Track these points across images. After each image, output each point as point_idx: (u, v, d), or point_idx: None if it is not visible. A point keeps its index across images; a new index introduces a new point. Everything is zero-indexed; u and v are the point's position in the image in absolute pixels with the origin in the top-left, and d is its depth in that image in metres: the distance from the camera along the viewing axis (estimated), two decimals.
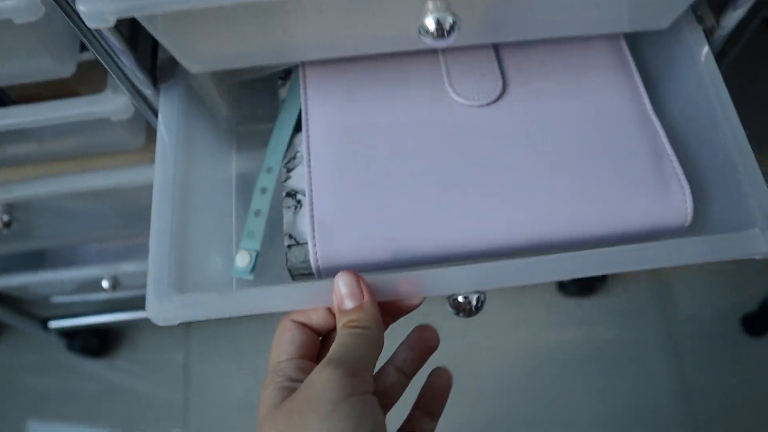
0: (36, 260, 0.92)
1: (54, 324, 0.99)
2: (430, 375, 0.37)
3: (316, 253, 0.39)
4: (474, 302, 0.37)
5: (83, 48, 0.45)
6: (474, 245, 0.39)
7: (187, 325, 1.09)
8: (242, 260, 0.44)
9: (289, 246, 0.43)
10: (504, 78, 0.44)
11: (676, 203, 0.39)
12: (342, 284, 0.34)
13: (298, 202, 0.44)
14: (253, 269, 0.44)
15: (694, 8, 0.44)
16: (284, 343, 0.34)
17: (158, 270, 0.37)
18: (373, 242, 0.39)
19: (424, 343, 0.37)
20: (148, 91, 0.44)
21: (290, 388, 0.32)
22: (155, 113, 0.46)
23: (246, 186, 0.49)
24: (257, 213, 0.46)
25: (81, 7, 0.34)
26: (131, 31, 0.43)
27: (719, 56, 0.45)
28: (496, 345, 1.05)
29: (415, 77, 0.44)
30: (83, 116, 0.46)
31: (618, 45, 0.46)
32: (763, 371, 1.01)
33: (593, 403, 1.01)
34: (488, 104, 0.43)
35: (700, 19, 0.44)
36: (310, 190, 0.41)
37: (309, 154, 0.42)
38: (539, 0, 0.39)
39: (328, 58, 0.45)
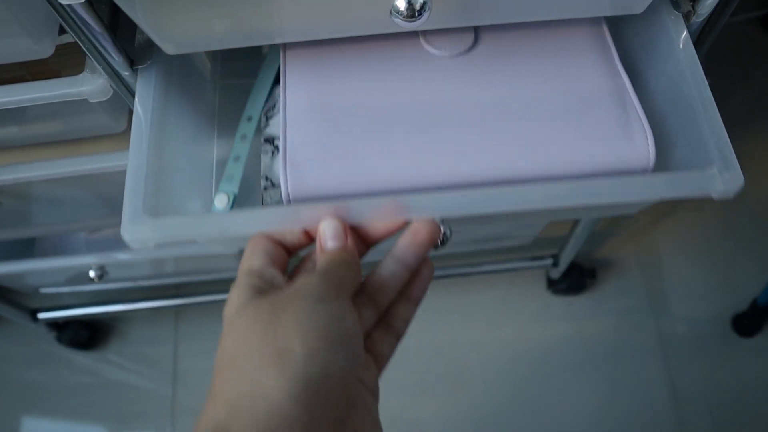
0: (25, 251, 0.92)
1: (43, 315, 0.99)
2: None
3: (288, 188, 0.39)
4: (447, 233, 0.37)
5: (63, 31, 0.45)
6: (442, 178, 0.40)
7: (176, 320, 1.09)
8: (221, 202, 0.47)
9: (265, 188, 0.45)
10: (476, 34, 0.45)
11: (639, 145, 0.41)
12: (327, 227, 0.35)
13: (276, 147, 0.46)
14: (231, 210, 0.46)
15: None
16: (258, 252, 0.35)
17: (134, 195, 0.39)
18: (343, 176, 0.40)
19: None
20: (125, 73, 0.44)
21: (262, 288, 0.33)
22: (133, 95, 0.46)
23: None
24: (236, 159, 0.48)
25: None
26: (111, 12, 0.43)
27: (698, 42, 0.46)
28: (485, 341, 1.04)
29: (391, 34, 0.45)
30: (60, 97, 0.45)
31: (596, 21, 0.46)
32: (752, 371, 1.01)
33: (582, 399, 1.00)
34: (459, 54, 0.45)
35: (676, 5, 0.44)
36: (284, 131, 0.42)
37: (285, 99, 0.43)
38: None
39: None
